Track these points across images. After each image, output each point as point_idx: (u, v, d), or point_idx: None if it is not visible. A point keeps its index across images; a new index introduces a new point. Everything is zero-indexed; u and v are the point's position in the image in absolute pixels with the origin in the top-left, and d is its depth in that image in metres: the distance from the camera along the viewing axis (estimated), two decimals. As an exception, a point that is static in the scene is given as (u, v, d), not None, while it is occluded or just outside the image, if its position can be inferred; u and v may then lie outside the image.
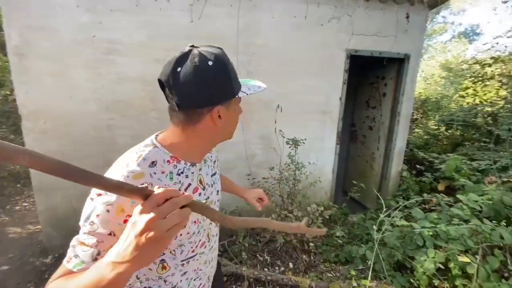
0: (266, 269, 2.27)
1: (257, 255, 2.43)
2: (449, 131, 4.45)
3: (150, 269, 0.71)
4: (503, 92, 4.51)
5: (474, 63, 5.03)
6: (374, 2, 2.61)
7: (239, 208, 2.48)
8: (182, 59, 0.61)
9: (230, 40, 2.39)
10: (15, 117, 5.30)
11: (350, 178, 3.61)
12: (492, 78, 4.63)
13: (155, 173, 0.62)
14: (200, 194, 0.74)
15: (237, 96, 0.67)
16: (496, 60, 4.48)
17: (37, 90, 2.13)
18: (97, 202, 0.56)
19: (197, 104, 0.63)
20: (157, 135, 0.72)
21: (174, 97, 0.62)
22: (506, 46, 4.79)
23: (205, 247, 0.80)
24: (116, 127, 2.34)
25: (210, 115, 0.65)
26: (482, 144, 3.56)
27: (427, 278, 1.59)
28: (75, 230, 1.87)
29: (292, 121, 2.69)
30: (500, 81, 4.58)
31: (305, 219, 0.79)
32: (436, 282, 1.60)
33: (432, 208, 2.23)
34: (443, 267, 1.57)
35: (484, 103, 4.58)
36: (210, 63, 0.60)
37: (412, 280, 1.72)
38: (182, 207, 0.46)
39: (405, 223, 1.83)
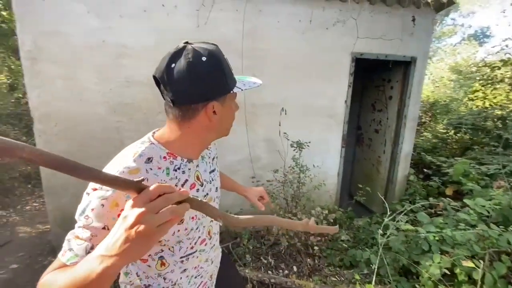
0: (270, 272, 2.27)
1: (261, 258, 2.43)
2: (458, 134, 4.38)
3: (149, 266, 0.71)
4: (513, 95, 4.43)
5: (483, 66, 4.96)
6: (379, 6, 2.61)
7: (244, 210, 2.50)
8: (176, 55, 0.62)
9: (236, 44, 2.43)
10: (27, 119, 5.46)
11: (356, 182, 3.59)
12: (502, 81, 4.55)
13: (151, 169, 0.63)
14: (198, 190, 0.74)
15: (232, 92, 0.67)
16: (506, 63, 4.41)
17: (48, 93, 2.20)
18: (92, 197, 0.57)
19: (191, 100, 0.63)
20: (154, 132, 0.72)
21: (168, 93, 0.62)
22: (516, 49, 4.70)
23: (206, 244, 0.80)
24: (123, 129, 2.39)
25: (204, 111, 0.65)
26: (491, 148, 3.49)
27: (432, 284, 1.56)
28: None
29: (297, 124, 2.70)
30: (510, 84, 4.49)
31: (313, 218, 0.76)
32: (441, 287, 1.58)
33: (438, 212, 2.20)
34: (448, 273, 1.54)
35: (494, 106, 4.49)
36: (204, 58, 0.61)
37: (417, 286, 1.69)
38: (180, 203, 0.46)
39: (410, 227, 1.81)
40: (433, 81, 8.27)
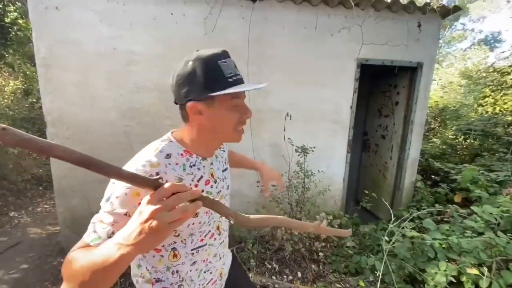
0: (274, 277, 2.27)
1: (266, 263, 2.43)
2: (468, 141, 4.30)
3: (162, 256, 0.77)
4: (524, 101, 4.34)
5: (493, 71, 4.88)
6: (384, 12, 2.63)
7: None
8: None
9: (242, 50, 2.47)
10: (40, 123, 5.63)
11: (363, 188, 3.56)
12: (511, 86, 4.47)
13: (169, 164, 0.69)
14: (211, 186, 0.80)
15: (220, 94, 0.66)
16: (515, 68, 4.34)
17: (61, 98, 2.29)
18: (117, 185, 0.62)
19: (178, 99, 0.72)
20: (172, 132, 0.80)
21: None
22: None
23: (215, 239, 0.85)
24: (132, 133, 2.45)
25: (189, 110, 0.70)
26: (501, 154, 3.42)
27: (439, 292, 1.54)
28: None
29: (302, 129, 2.72)
30: (521, 89, 4.41)
31: (325, 220, 0.77)
32: (448, 296, 1.55)
33: (445, 219, 2.17)
34: (455, 281, 1.51)
35: (504, 112, 4.41)
36: (190, 63, 0.67)
37: (423, 294, 1.67)
38: (193, 201, 0.50)
39: (416, 234, 1.79)
40: (442, 86, 8.16)
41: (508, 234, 1.65)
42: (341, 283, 2.18)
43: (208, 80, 0.67)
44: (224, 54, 0.70)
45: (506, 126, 4.00)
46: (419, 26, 2.70)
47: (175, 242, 0.75)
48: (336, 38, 2.62)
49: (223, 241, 0.91)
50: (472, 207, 1.94)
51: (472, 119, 4.67)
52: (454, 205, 2.27)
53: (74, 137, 2.35)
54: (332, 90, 2.74)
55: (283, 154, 2.64)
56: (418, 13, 2.67)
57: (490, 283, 1.39)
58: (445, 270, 1.53)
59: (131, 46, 2.31)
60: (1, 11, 3.90)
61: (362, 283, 1.83)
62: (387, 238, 1.82)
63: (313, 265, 2.37)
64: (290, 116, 2.61)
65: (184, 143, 0.75)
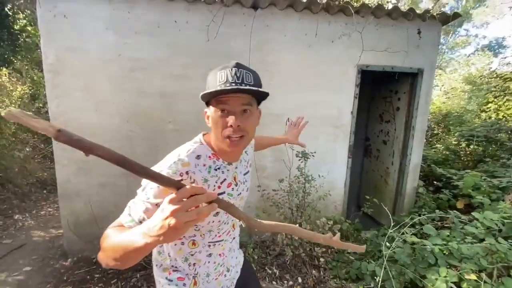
0: (274, 283, 2.26)
1: (266, 268, 2.43)
2: (471, 147, 4.28)
3: (183, 244, 0.85)
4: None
5: (495, 77, 4.87)
6: (384, 19, 2.66)
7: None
8: None
9: (244, 57, 2.52)
10: (46, 128, 5.72)
11: (365, 193, 3.54)
12: (515, 92, 4.45)
13: (198, 165, 0.76)
14: (233, 189, 0.86)
15: (202, 94, 0.72)
16: (518, 74, 4.33)
17: (67, 103, 2.34)
18: None
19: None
20: (204, 134, 0.87)
21: None
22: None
23: (230, 235, 0.93)
24: (135, 138, 2.49)
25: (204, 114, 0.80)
26: (505, 160, 3.39)
27: (439, 299, 1.53)
28: (95, 236, 2.06)
29: (303, 134, 2.72)
30: (524, 95, 4.39)
31: (338, 233, 0.74)
32: (449, 303, 1.54)
33: (446, 225, 2.15)
34: (455, 287, 1.50)
35: (508, 118, 4.38)
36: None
37: (424, 300, 1.65)
38: (210, 202, 0.55)
39: (416, 239, 1.78)
40: (445, 92, 8.15)
41: (509, 241, 1.64)
42: (341, 289, 2.17)
43: (206, 87, 0.73)
44: (230, 65, 0.72)
45: (509, 132, 3.98)
46: (419, 32, 2.72)
47: (195, 235, 0.84)
48: (337, 45, 2.66)
49: (234, 237, 0.99)
50: (473, 213, 1.93)
51: (475, 125, 4.65)
52: (455, 211, 2.25)
53: (78, 141, 2.39)
54: (333, 96, 2.77)
55: (284, 158, 2.65)
56: (418, 20, 2.70)
57: (491, 290, 1.38)
58: (445, 276, 1.52)
59: (135, 53, 2.37)
60: (11, 18, 4.01)
61: (362, 289, 1.82)
62: (388, 244, 1.82)
63: (313, 271, 2.36)
64: (291, 122, 2.63)
65: (212, 146, 0.82)
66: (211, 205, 0.54)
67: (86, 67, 2.32)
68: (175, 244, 0.86)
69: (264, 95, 0.74)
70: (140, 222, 0.68)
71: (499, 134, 4.04)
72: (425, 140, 4.27)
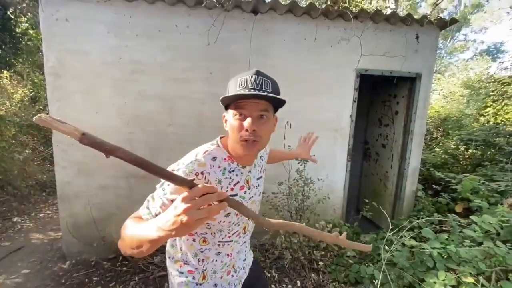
0: (273, 286, 2.26)
1: (265, 271, 2.42)
2: (469, 150, 4.30)
3: (194, 240, 0.90)
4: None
5: (492, 82, 4.91)
6: (383, 24, 2.70)
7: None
8: None
9: (244, 61, 2.54)
10: (45, 130, 5.73)
11: (364, 197, 3.55)
12: (512, 97, 4.49)
13: (213, 166, 0.80)
14: (245, 192, 0.89)
15: (221, 98, 0.76)
16: (516, 78, 4.36)
17: (68, 106, 2.36)
18: None
19: None
20: (221, 137, 0.90)
21: None
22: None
23: (240, 237, 0.96)
24: (135, 140, 2.50)
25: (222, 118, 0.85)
26: (503, 164, 3.41)
27: (438, 302, 1.53)
28: (93, 239, 2.07)
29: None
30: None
31: (344, 232, 0.77)
32: (448, 306, 1.53)
33: (445, 229, 2.16)
34: (454, 291, 1.51)
35: (506, 122, 4.41)
36: None
37: (423, 304, 1.65)
38: (221, 201, 0.58)
39: (415, 243, 1.79)
40: (444, 96, 8.20)
41: (507, 244, 1.64)
42: (340, 292, 2.17)
43: (226, 92, 0.78)
44: (251, 72, 0.76)
45: (508, 136, 4.00)
46: (417, 37, 2.75)
47: (206, 233, 0.88)
48: (336, 49, 2.69)
49: (246, 240, 1.02)
50: (471, 217, 1.94)
51: (474, 129, 4.67)
52: (454, 215, 2.26)
53: (78, 144, 2.37)
54: (332, 100, 2.79)
55: (283, 162, 2.66)
56: (416, 25, 2.74)
57: (489, 293, 1.38)
58: (443, 280, 1.52)
59: (136, 56, 2.39)
60: (13, 21, 4.04)
61: (361, 293, 1.82)
62: (386, 247, 1.82)
63: (312, 274, 2.35)
64: (290, 125, 2.65)
65: (228, 149, 0.85)
66: (222, 203, 0.57)
67: (87, 70, 2.34)
68: (187, 240, 0.90)
69: (282, 103, 0.77)
70: (156, 215, 0.72)
71: (497, 138, 4.06)
72: (424, 144, 4.28)
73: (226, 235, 0.90)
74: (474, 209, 2.53)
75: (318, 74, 2.70)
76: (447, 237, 1.86)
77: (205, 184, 0.58)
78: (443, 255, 1.71)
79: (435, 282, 1.54)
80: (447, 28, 3.03)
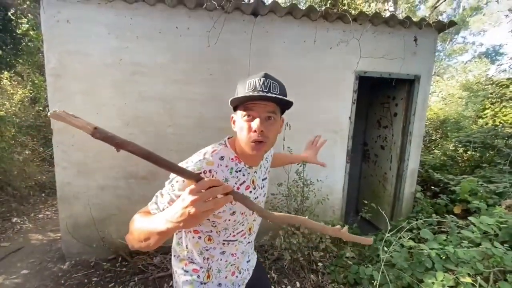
0: (273, 287, 2.26)
1: (266, 273, 2.42)
2: (468, 152, 4.31)
3: (200, 238, 0.91)
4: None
5: (491, 84, 4.94)
6: (381, 27, 2.72)
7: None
8: None
9: (244, 62, 2.56)
10: (45, 131, 5.74)
11: (363, 198, 3.56)
12: (511, 99, 4.51)
13: (220, 165, 0.82)
14: (250, 192, 0.91)
15: (230, 101, 0.78)
16: (513, 80, 4.38)
17: (68, 107, 2.36)
18: None
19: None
20: (228, 137, 0.92)
21: None
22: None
23: (245, 238, 0.98)
24: (136, 141, 2.42)
25: (231, 119, 0.87)
26: (501, 166, 3.43)
27: (436, 303, 1.53)
28: (93, 239, 2.08)
29: (302, 139, 2.74)
30: (520, 102, 4.44)
31: (346, 226, 0.81)
32: (446, 307, 1.54)
33: (443, 230, 2.17)
34: (452, 291, 1.51)
35: (504, 124, 4.43)
36: None
37: (421, 305, 1.66)
38: (227, 194, 0.60)
39: (413, 244, 1.80)
40: (443, 98, 8.23)
41: (505, 245, 1.66)
42: (339, 293, 2.17)
43: (235, 94, 0.80)
44: (259, 75, 0.78)
45: (506, 138, 4.02)
46: (415, 40, 2.78)
47: (211, 231, 0.90)
48: (335, 51, 2.71)
49: (251, 241, 1.03)
50: (470, 218, 1.95)
51: (473, 131, 4.70)
52: (452, 216, 2.27)
53: (78, 144, 2.41)
54: (331, 101, 2.80)
55: (283, 163, 2.68)
56: (414, 28, 2.76)
57: (487, 294, 1.39)
58: (442, 280, 1.53)
59: (136, 58, 2.41)
60: (13, 23, 4.06)
61: (360, 293, 1.83)
62: (385, 248, 1.83)
63: (312, 275, 2.36)
64: (290, 126, 2.66)
65: (235, 149, 0.87)
66: (227, 196, 0.60)
67: (87, 71, 2.35)
68: (193, 237, 0.92)
69: (289, 104, 0.79)
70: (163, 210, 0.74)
71: (496, 140, 4.08)
72: (423, 146, 4.30)
73: (231, 234, 0.91)
74: (472, 211, 2.55)
75: (318, 76, 2.72)
76: (445, 238, 1.87)
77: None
78: (441, 256, 1.72)
79: (433, 283, 1.55)
80: (446, 31, 3.05)
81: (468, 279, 1.38)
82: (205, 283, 0.94)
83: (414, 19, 2.73)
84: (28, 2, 3.97)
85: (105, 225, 2.52)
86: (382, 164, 3.51)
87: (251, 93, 0.75)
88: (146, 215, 0.75)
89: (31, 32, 4.71)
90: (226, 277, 0.98)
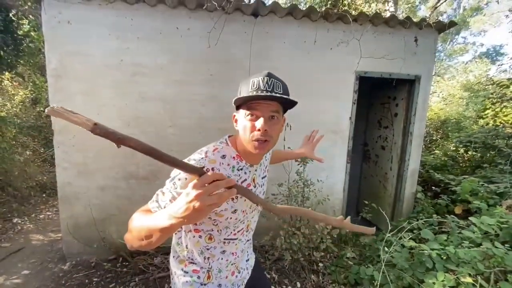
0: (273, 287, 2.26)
1: (265, 273, 2.42)
2: (469, 153, 4.31)
3: (200, 237, 0.91)
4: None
5: (492, 84, 4.93)
6: (382, 27, 2.72)
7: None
8: None
9: (244, 63, 2.56)
10: (46, 132, 5.75)
11: (364, 198, 3.56)
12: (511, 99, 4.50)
13: (223, 163, 0.82)
14: (251, 189, 0.90)
15: (234, 100, 0.78)
16: (514, 81, 4.38)
17: (69, 107, 2.32)
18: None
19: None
20: (229, 136, 0.92)
21: None
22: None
23: (243, 235, 0.98)
24: (136, 142, 2.51)
25: (232, 118, 0.88)
26: (502, 166, 3.42)
27: (437, 303, 1.53)
28: (93, 240, 2.09)
29: (302, 139, 2.76)
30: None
31: (348, 217, 0.82)
32: (447, 307, 1.54)
33: (444, 230, 2.16)
34: (453, 292, 1.51)
35: (505, 124, 4.42)
36: None
37: (422, 305, 1.66)
38: (231, 188, 0.61)
39: (414, 244, 1.80)
40: (443, 98, 8.22)
41: (506, 245, 1.65)
42: (340, 294, 2.17)
43: (238, 93, 0.81)
44: (262, 74, 0.78)
45: (507, 138, 4.01)
46: (416, 40, 2.78)
47: (212, 230, 0.89)
48: (335, 52, 2.71)
49: (249, 239, 1.04)
50: (470, 218, 1.95)
51: (473, 131, 4.69)
52: (453, 216, 2.27)
53: (79, 145, 2.42)
54: (332, 102, 2.80)
55: (283, 163, 2.68)
56: (414, 28, 2.76)
57: (488, 294, 1.38)
58: (442, 281, 1.53)
59: (137, 58, 2.41)
60: (14, 23, 4.07)
61: (361, 294, 1.83)
62: (386, 249, 1.83)
63: (312, 276, 2.36)
64: (290, 126, 2.66)
65: (236, 148, 0.88)
66: (231, 190, 0.60)
67: (88, 71, 2.36)
68: (193, 237, 0.91)
69: (292, 104, 0.79)
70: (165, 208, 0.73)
71: (496, 140, 4.07)
72: (423, 146, 4.30)
73: (231, 232, 0.92)
74: (473, 211, 2.54)
75: (318, 77, 2.72)
76: (446, 238, 1.87)
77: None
78: (442, 256, 1.72)
79: (434, 283, 1.55)
80: (446, 31, 3.05)
81: (469, 279, 1.38)
82: (205, 284, 0.93)
83: (415, 20, 2.74)
84: (29, 3, 3.98)
85: (106, 226, 2.53)
86: (382, 165, 3.51)
87: (255, 93, 0.75)
88: (146, 213, 0.75)
89: (32, 33, 4.72)
90: (226, 277, 0.97)
